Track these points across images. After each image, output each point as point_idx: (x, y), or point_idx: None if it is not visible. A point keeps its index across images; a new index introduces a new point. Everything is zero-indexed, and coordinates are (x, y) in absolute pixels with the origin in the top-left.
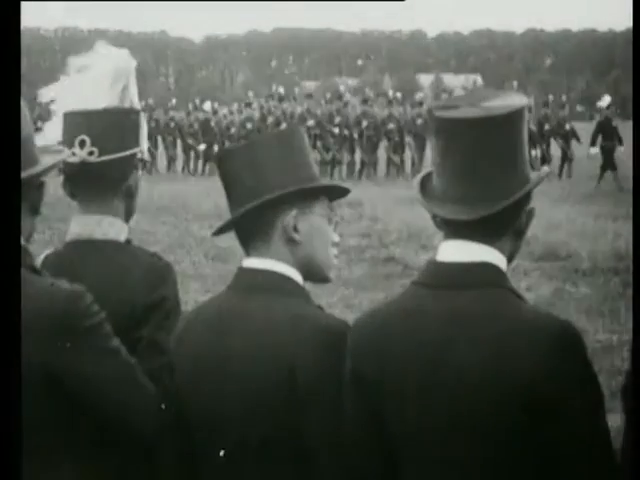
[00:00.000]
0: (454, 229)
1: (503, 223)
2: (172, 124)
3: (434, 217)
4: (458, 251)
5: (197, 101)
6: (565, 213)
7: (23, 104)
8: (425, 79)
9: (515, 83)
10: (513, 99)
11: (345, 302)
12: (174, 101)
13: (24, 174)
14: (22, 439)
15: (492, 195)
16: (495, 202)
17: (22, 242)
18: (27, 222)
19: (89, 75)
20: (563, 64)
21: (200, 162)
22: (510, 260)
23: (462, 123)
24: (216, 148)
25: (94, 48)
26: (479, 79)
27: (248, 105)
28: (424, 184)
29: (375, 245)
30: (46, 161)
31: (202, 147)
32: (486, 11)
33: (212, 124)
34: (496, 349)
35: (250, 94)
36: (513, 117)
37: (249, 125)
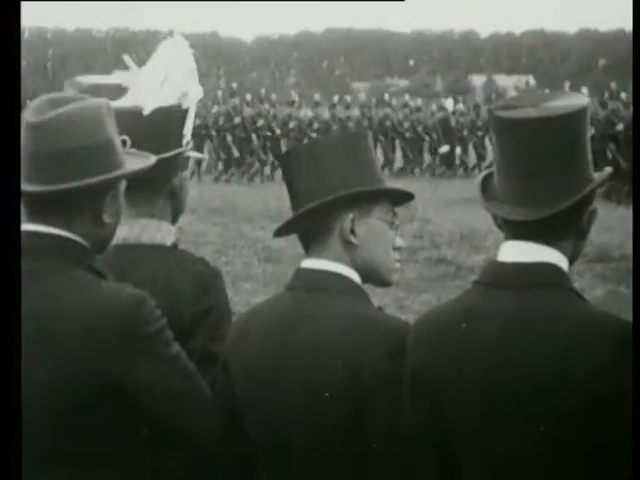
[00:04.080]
0: (515, 229)
1: (565, 224)
2: (365, 122)
3: (495, 217)
4: (519, 251)
5: (386, 96)
6: (618, 214)
7: (104, 105)
8: (477, 80)
9: (568, 84)
10: (574, 99)
11: (397, 304)
12: (317, 96)
13: (101, 177)
14: (21, 440)
15: (553, 195)
16: (556, 202)
17: (87, 245)
18: (100, 229)
19: (147, 70)
20: (617, 64)
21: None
22: (572, 261)
23: (524, 123)
24: (459, 150)
25: (158, 46)
26: (532, 80)
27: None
28: (485, 184)
29: (427, 246)
30: (128, 166)
31: (445, 149)
32: (539, 11)
33: (452, 123)
34: (559, 350)
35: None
36: (575, 117)
37: None
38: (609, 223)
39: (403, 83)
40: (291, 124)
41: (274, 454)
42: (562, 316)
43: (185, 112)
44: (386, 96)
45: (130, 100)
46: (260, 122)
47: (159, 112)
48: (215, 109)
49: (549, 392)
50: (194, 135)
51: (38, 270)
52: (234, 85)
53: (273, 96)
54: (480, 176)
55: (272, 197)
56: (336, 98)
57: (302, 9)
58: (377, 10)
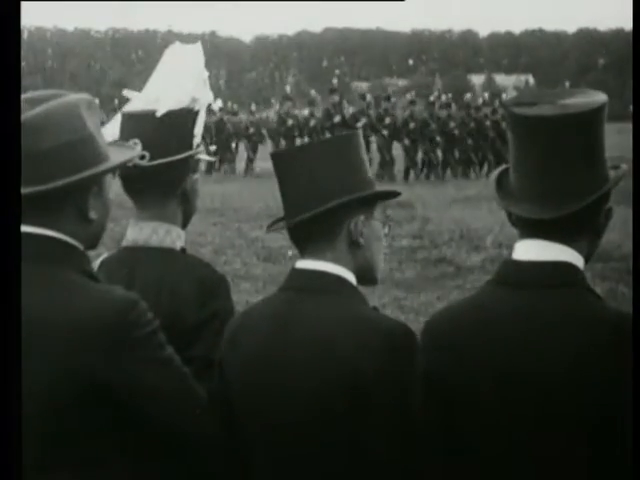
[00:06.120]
0: (531, 228)
1: (581, 222)
2: (452, 122)
3: (509, 215)
4: (535, 250)
5: (468, 95)
6: (619, 214)
7: (87, 102)
8: (476, 79)
9: (567, 83)
10: (591, 96)
11: (397, 303)
12: (411, 95)
13: (82, 175)
14: (22, 447)
15: (570, 194)
16: (574, 201)
17: (78, 245)
18: (88, 226)
19: (160, 73)
20: (616, 64)
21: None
22: (587, 260)
23: (540, 120)
24: None
25: (169, 48)
26: (531, 79)
27: None
28: (500, 181)
29: (427, 246)
30: (114, 159)
31: None
32: (538, 10)
33: None
34: (575, 349)
35: None
36: (592, 115)
37: None
38: (610, 223)
39: (402, 82)
40: (387, 120)
41: (270, 456)
42: (579, 315)
43: (196, 114)
44: (468, 95)
45: (142, 103)
46: (362, 120)
47: (171, 115)
48: (307, 110)
49: (565, 392)
50: (284, 136)
51: (29, 273)
52: (335, 81)
53: (368, 96)
54: (495, 173)
55: (271, 197)
56: (433, 96)
57: (301, 9)
58: (376, 10)
